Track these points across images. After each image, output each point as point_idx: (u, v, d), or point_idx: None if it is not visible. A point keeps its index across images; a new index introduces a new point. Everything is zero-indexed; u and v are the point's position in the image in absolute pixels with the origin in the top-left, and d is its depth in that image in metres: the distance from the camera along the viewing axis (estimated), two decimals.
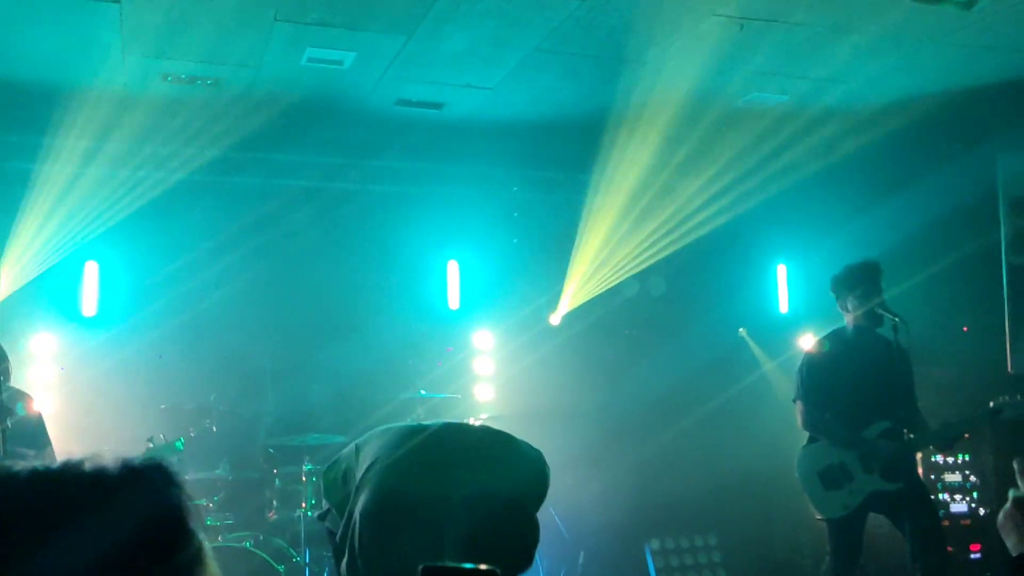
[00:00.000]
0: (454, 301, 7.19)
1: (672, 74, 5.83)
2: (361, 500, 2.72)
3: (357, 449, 2.93)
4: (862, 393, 4.78)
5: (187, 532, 0.99)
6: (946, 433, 4.74)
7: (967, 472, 6.36)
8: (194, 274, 6.21)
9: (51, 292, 6.23)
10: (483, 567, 1.04)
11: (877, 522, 4.94)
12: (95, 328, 6.30)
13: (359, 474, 2.80)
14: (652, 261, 7.24)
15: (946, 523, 6.06)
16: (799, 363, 5.05)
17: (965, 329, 6.56)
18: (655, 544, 6.82)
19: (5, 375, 4.39)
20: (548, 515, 6.57)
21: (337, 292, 6.68)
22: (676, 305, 7.32)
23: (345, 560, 2.75)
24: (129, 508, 0.96)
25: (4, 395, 4.07)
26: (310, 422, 5.88)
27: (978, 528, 6.24)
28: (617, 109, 6.27)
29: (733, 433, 6.90)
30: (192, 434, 5.61)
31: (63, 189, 6.05)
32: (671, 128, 6.43)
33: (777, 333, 7.42)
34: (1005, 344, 6.11)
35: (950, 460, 6.37)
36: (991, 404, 4.79)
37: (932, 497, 5.48)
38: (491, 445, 2.94)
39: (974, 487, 6.34)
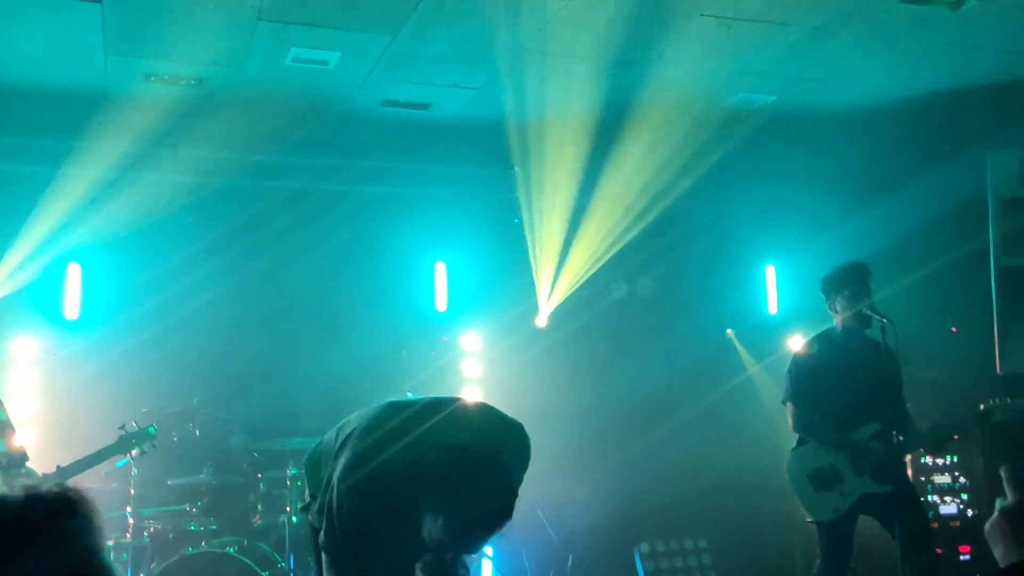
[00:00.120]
0: (441, 303, 7.14)
1: (660, 75, 5.81)
2: (339, 465, 2.73)
3: (337, 431, 2.94)
4: (852, 395, 4.76)
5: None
6: (936, 435, 4.74)
7: (956, 474, 6.36)
8: (178, 277, 6.14)
9: (33, 295, 6.16)
10: None
11: (867, 524, 4.92)
12: (78, 331, 6.23)
13: (336, 448, 2.82)
14: (640, 262, 7.21)
15: (935, 525, 6.06)
16: (788, 364, 5.03)
17: (954, 330, 6.55)
18: (644, 547, 6.80)
19: None
20: (536, 518, 6.54)
21: (323, 294, 6.62)
22: (665, 306, 7.30)
23: (324, 529, 2.73)
24: (43, 559, 0.91)
25: None
26: (295, 425, 5.82)
27: (967, 530, 6.23)
28: (604, 110, 6.24)
29: (722, 435, 6.88)
30: (175, 438, 5.54)
31: (45, 191, 5.98)
32: (659, 128, 6.40)
33: (766, 334, 7.41)
34: (994, 345, 6.10)
35: (939, 462, 6.36)
36: (981, 406, 4.78)
37: (921, 499, 5.47)
38: (467, 407, 2.98)
39: (963, 489, 6.34)
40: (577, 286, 7.09)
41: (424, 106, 6.30)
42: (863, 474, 4.67)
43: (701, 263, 7.36)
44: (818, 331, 5.03)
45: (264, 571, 5.15)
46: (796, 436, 4.96)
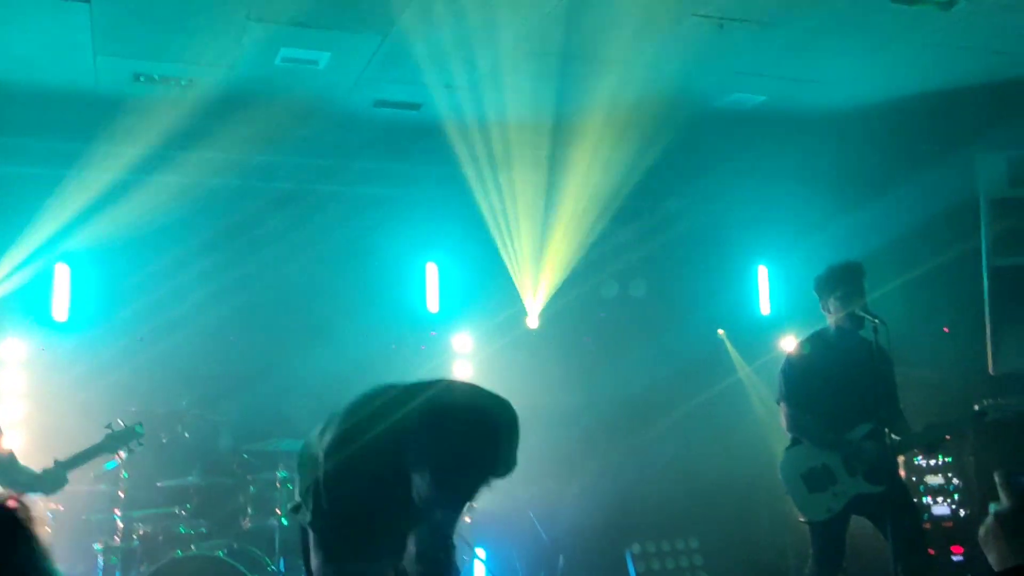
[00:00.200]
0: (433, 304, 7.12)
1: (651, 74, 5.80)
2: (324, 443, 2.72)
3: (321, 426, 2.93)
4: (845, 395, 4.76)
5: None
6: (930, 435, 4.74)
7: (949, 474, 6.35)
8: (167, 278, 6.10)
9: (21, 297, 6.11)
10: None
11: (859, 524, 4.92)
12: (66, 332, 6.18)
13: (319, 435, 2.80)
14: (632, 262, 7.20)
15: (928, 526, 6.06)
16: (781, 364, 5.02)
17: (946, 330, 6.56)
18: (636, 548, 6.79)
19: None
20: (527, 518, 6.53)
21: (313, 295, 6.59)
22: (656, 307, 7.29)
23: (311, 509, 2.70)
24: None
25: None
26: (285, 427, 5.78)
27: (960, 530, 6.23)
28: (596, 109, 6.22)
29: (714, 435, 6.88)
30: (164, 440, 5.51)
31: (33, 191, 5.94)
32: (650, 128, 6.39)
33: (758, 335, 7.40)
34: (985, 345, 6.11)
35: (932, 462, 6.35)
36: (975, 407, 4.79)
37: (914, 499, 5.47)
38: (454, 382, 2.98)
39: (956, 489, 6.33)
40: (560, 285, 7.06)
41: (416, 106, 6.28)
42: (856, 474, 4.66)
43: (693, 264, 7.35)
44: (811, 331, 5.03)
45: (254, 574, 5.12)
46: (789, 436, 4.95)
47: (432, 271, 7.16)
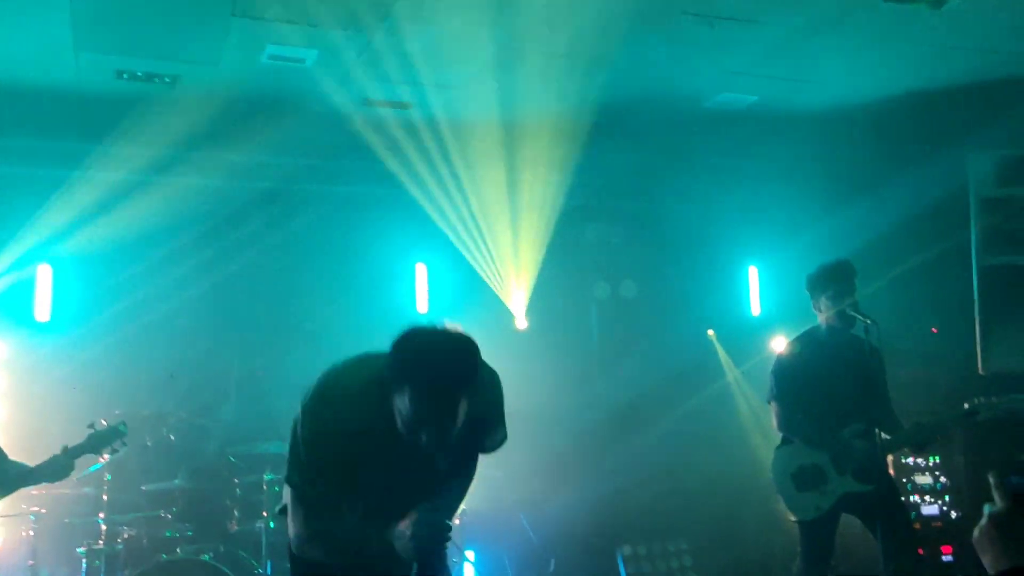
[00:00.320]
0: (422, 305, 7.07)
1: (642, 72, 5.78)
2: (304, 398, 2.70)
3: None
4: (836, 394, 4.74)
5: None
6: (920, 434, 4.72)
7: (938, 474, 6.35)
8: (152, 278, 6.04)
9: (3, 297, 6.04)
10: None
11: (848, 523, 4.90)
12: (49, 333, 6.11)
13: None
14: (622, 263, 7.17)
15: (917, 525, 6.05)
16: (773, 364, 5.00)
17: (934, 330, 6.56)
18: (626, 550, 6.77)
19: None
20: (517, 520, 6.49)
21: (300, 297, 6.54)
22: (647, 308, 7.27)
23: (287, 463, 2.65)
24: None
25: None
26: (272, 429, 5.72)
27: (950, 530, 6.22)
28: (585, 109, 6.20)
29: (704, 437, 6.86)
30: (149, 443, 5.44)
31: (14, 190, 5.88)
32: (640, 127, 6.37)
33: (749, 335, 7.38)
34: (975, 344, 6.10)
35: (921, 462, 6.35)
36: (966, 405, 4.76)
37: (904, 499, 5.46)
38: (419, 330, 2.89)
39: (945, 489, 6.33)
40: (545, 286, 7.02)
41: (405, 105, 6.23)
42: (846, 473, 4.65)
43: (683, 264, 7.33)
44: (802, 331, 5.01)
45: None
46: (780, 436, 4.93)
47: (421, 272, 7.11)
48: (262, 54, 5.27)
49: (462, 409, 2.48)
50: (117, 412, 5.20)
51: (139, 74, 5.49)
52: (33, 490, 4.69)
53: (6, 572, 5.50)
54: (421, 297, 7.08)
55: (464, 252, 6.92)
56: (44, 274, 6.19)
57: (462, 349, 2.52)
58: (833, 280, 4.75)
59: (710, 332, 7.50)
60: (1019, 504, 1.50)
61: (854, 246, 5.60)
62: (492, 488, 5.94)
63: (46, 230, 5.98)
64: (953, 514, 6.28)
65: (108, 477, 5.22)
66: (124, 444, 4.84)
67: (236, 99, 5.83)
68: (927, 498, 6.31)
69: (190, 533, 5.36)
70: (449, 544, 2.75)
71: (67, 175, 5.94)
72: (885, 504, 4.56)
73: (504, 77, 5.73)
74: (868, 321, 4.48)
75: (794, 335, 5.06)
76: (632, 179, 7.04)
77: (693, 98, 6.28)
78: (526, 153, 6.77)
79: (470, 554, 6.10)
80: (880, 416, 4.68)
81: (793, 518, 4.80)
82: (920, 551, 5.19)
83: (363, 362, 2.76)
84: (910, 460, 6.31)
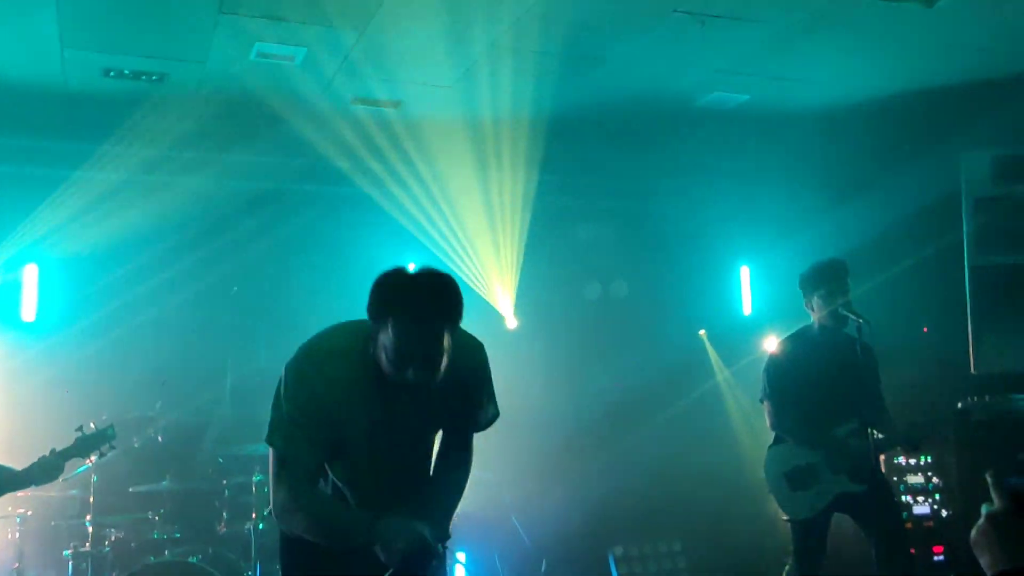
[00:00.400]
0: None
1: (633, 71, 5.75)
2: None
3: None
4: (829, 393, 4.73)
5: None
6: (913, 434, 4.72)
7: (930, 474, 6.34)
8: (140, 278, 5.99)
9: None
10: None
11: (840, 523, 4.89)
12: (35, 334, 6.05)
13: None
14: (614, 263, 7.15)
15: (909, 525, 6.04)
16: (765, 363, 4.99)
17: (925, 330, 6.54)
18: (619, 551, 6.75)
19: None
20: (509, 521, 6.46)
21: (291, 298, 6.48)
22: (638, 308, 7.25)
23: (270, 421, 2.64)
24: None
25: None
26: (262, 431, 5.66)
27: (941, 530, 6.22)
28: (577, 107, 6.17)
29: (696, 437, 6.84)
30: (136, 444, 5.40)
31: (0, 189, 5.80)
32: (631, 126, 6.35)
33: (741, 335, 7.37)
34: (967, 345, 6.09)
35: (912, 461, 6.34)
36: (959, 405, 4.76)
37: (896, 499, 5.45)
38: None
39: (937, 489, 6.32)
40: (534, 285, 6.99)
41: (396, 104, 6.20)
42: (839, 473, 4.64)
43: (675, 264, 7.31)
44: (794, 330, 5.00)
45: None
46: (773, 435, 4.92)
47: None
48: (251, 52, 5.23)
49: (446, 342, 2.48)
50: (104, 416, 5.15)
51: (126, 72, 5.45)
52: (19, 492, 4.63)
53: None
54: None
55: (449, 251, 6.88)
56: (30, 273, 6.13)
57: (443, 280, 2.56)
58: (826, 279, 4.74)
59: (701, 332, 7.49)
60: (1018, 505, 1.48)
61: (846, 245, 5.58)
62: (483, 489, 5.91)
63: (33, 230, 5.93)
64: (944, 513, 6.27)
65: (95, 479, 5.17)
66: (112, 447, 4.80)
67: (225, 97, 5.79)
68: (919, 498, 6.31)
69: (178, 535, 5.31)
70: (444, 549, 2.72)
71: (53, 174, 5.89)
72: (878, 504, 4.55)
73: (494, 75, 5.70)
74: (861, 320, 4.47)
75: (785, 335, 5.05)
76: (623, 178, 7.02)
77: (684, 97, 6.26)
78: (515, 152, 6.74)
79: (461, 556, 6.08)
80: (873, 415, 4.67)
81: (786, 517, 4.79)
82: (912, 551, 5.20)
83: (346, 326, 2.76)
84: (902, 460, 6.31)
